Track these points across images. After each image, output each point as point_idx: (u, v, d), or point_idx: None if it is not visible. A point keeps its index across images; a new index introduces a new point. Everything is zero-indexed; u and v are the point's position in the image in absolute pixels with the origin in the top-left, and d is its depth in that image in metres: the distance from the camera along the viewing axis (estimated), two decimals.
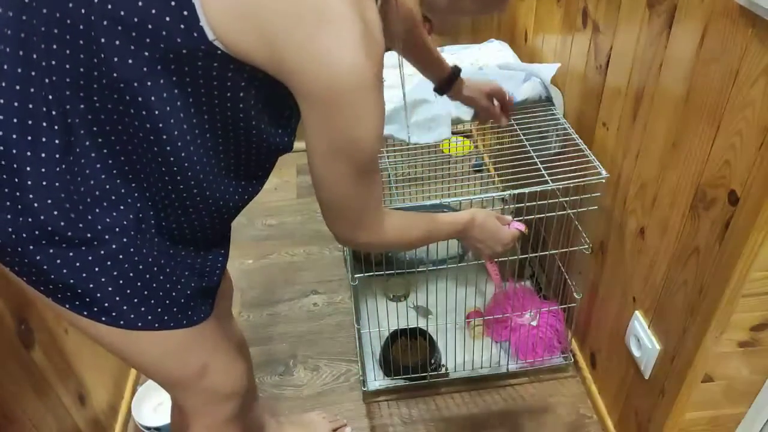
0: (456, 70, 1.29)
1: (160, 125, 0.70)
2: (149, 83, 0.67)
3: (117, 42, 0.65)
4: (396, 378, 1.62)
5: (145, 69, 0.66)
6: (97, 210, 0.74)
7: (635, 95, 1.21)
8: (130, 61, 0.66)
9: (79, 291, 0.76)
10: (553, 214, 1.35)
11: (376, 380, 1.63)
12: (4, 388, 1.08)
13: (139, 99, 0.68)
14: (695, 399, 1.14)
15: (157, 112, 0.69)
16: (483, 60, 1.74)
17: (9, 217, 0.70)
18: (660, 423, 1.23)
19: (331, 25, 0.63)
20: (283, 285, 2.01)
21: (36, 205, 0.70)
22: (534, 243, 1.65)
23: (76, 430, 1.32)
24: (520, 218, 1.23)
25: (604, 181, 1.30)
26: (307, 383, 1.68)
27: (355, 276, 1.44)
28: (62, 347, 1.30)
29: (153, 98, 0.68)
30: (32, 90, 0.69)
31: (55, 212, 0.72)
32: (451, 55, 1.79)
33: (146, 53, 0.65)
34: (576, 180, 1.29)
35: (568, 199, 1.36)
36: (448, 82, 1.29)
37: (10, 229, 0.70)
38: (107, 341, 0.82)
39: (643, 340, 1.26)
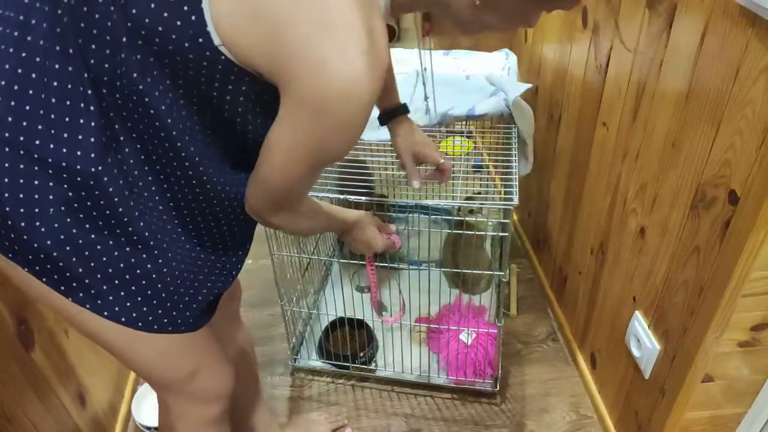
0: (402, 108, 1.21)
1: (169, 121, 0.71)
2: (161, 86, 0.69)
3: (138, 56, 0.67)
4: (327, 362, 1.68)
5: (155, 72, 0.68)
6: (138, 211, 0.75)
7: (635, 95, 1.21)
8: (144, 66, 0.67)
9: (105, 288, 0.76)
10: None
11: (310, 359, 1.72)
12: (4, 388, 1.08)
13: (146, 99, 0.69)
14: (695, 399, 1.14)
15: (163, 107, 0.70)
16: (479, 69, 1.72)
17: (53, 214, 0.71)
18: (660, 423, 1.23)
19: (334, 34, 0.62)
20: None
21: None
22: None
23: (76, 430, 1.32)
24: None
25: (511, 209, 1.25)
26: (307, 383, 1.68)
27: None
28: (62, 348, 1.30)
29: (162, 99, 0.70)
30: (70, 86, 0.69)
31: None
32: (454, 59, 1.79)
33: (162, 60, 0.67)
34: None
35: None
36: (390, 114, 1.21)
37: (56, 225, 0.71)
38: (107, 338, 0.82)
39: (643, 340, 1.26)
